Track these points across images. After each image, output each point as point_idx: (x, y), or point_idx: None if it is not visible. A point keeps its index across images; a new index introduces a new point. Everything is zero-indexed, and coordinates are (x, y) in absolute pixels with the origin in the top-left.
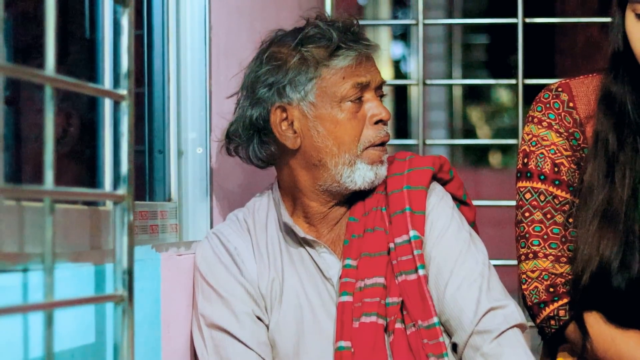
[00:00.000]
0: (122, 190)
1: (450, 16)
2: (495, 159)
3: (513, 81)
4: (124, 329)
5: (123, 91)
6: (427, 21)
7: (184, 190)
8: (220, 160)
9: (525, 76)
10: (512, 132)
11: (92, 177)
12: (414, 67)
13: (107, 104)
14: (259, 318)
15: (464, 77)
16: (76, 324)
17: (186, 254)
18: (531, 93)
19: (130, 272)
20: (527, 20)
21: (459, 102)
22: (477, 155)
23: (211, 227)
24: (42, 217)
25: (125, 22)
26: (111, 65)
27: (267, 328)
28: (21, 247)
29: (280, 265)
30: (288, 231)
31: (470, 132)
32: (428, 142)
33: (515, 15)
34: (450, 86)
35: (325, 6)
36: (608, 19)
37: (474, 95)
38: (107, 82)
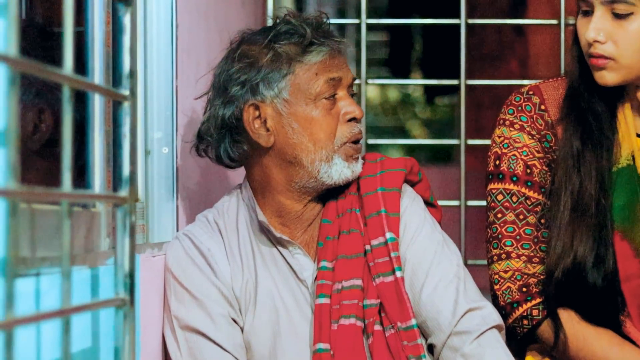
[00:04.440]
0: (124, 192)
1: (343, 14)
2: None
3: (455, 82)
4: (125, 333)
5: (125, 91)
6: (370, 21)
7: (150, 190)
8: (186, 160)
9: (428, 75)
10: (378, 130)
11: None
12: None
13: (97, 103)
14: (234, 320)
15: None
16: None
17: (159, 255)
18: (431, 91)
19: (132, 275)
20: (470, 21)
21: None
22: None
23: (177, 227)
24: (47, 220)
25: (127, 21)
26: (101, 63)
27: (242, 330)
28: (34, 251)
29: (253, 267)
30: (260, 232)
31: None
32: (370, 141)
33: (457, 16)
34: None
35: (267, 4)
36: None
37: None
38: (97, 80)
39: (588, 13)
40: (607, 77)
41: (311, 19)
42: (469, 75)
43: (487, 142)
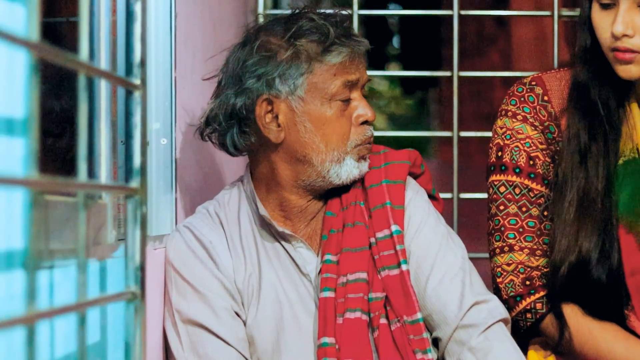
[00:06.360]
0: (135, 183)
1: (318, 5)
2: None
3: (448, 73)
4: (136, 328)
5: (137, 80)
6: (362, 12)
7: (149, 182)
8: (185, 151)
9: (407, 67)
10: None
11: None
12: None
13: (103, 92)
14: (236, 314)
15: None
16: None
17: (159, 248)
18: (409, 84)
19: (142, 268)
20: (463, 12)
21: None
22: None
23: (176, 220)
24: (56, 212)
25: (138, 9)
26: (107, 53)
27: (244, 324)
28: (46, 243)
29: (256, 260)
30: (263, 225)
31: None
32: None
33: (450, 7)
34: None
35: None
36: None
37: None
38: (102, 67)
39: (608, 6)
40: (634, 71)
41: (334, 17)
42: (447, 68)
43: (483, 134)
